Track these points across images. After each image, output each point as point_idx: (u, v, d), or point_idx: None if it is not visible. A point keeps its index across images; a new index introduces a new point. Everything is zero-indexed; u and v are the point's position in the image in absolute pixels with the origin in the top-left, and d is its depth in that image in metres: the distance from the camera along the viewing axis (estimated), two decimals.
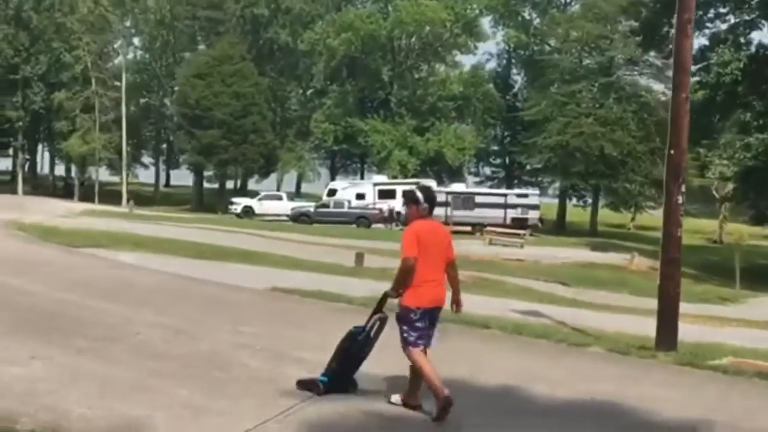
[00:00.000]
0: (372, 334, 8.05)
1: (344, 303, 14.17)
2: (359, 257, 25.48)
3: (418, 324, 7.50)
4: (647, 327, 15.70)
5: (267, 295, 14.86)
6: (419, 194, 7.79)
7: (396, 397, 7.81)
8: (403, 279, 7.45)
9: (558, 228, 68.43)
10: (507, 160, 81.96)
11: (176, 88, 76.40)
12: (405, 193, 8.03)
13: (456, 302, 7.92)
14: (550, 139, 64.38)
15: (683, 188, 11.99)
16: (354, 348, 8.05)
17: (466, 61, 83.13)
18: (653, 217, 77.53)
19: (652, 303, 23.77)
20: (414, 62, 78.81)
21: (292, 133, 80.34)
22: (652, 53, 62.06)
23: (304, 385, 8.09)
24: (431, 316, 7.62)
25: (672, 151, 11.91)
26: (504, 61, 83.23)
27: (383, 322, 8.00)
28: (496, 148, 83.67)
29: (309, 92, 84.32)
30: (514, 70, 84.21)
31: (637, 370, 10.29)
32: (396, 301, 7.63)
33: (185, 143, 72.06)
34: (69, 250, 20.68)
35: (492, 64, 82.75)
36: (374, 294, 15.89)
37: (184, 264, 19.54)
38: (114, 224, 33.95)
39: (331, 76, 79.24)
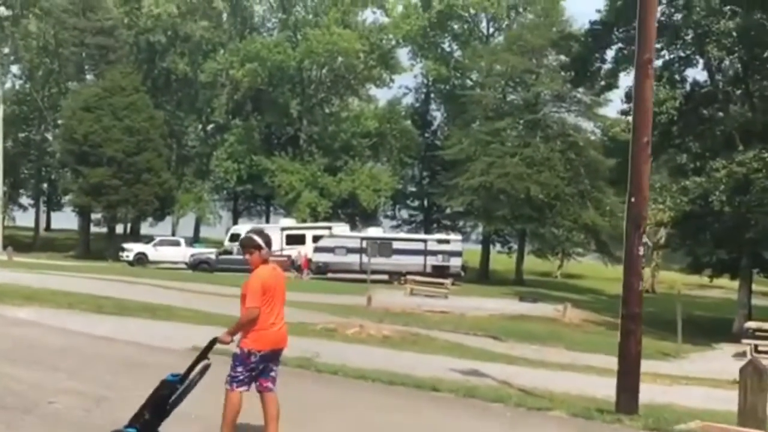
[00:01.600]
0: (193, 382, 8.31)
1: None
2: None
3: (253, 366, 8.19)
4: (596, 386, 16.04)
5: (188, 356, 14.55)
6: (259, 239, 8.34)
7: None
8: (244, 327, 8.15)
9: (481, 276, 69.18)
10: (426, 203, 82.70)
11: (61, 122, 75.16)
12: (244, 241, 8.42)
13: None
14: (473, 180, 65.15)
15: (644, 238, 12.24)
16: (171, 397, 8.26)
17: (382, 95, 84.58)
18: (582, 264, 79.20)
19: (591, 358, 24.54)
20: (325, 96, 79.36)
21: (190, 171, 79.87)
22: (580, 90, 63.57)
23: None
24: (272, 357, 8.33)
25: (633, 199, 12.15)
26: (423, 96, 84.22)
27: (206, 369, 8.31)
28: (413, 189, 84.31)
29: (210, 127, 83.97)
30: (434, 106, 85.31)
31: None
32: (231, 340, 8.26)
33: (70, 183, 70.87)
34: None
35: (409, 99, 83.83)
36: (303, 352, 15.93)
37: (86, 320, 19.25)
38: None
39: (234, 109, 79.22)
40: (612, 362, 23.10)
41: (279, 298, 8.28)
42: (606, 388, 14.98)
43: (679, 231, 47.22)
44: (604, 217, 65.66)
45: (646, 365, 24.35)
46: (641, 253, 12.18)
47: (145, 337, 16.74)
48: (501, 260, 76.96)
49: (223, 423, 8.21)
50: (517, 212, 65.57)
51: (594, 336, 35.68)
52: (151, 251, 62.06)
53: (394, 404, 11.48)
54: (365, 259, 52.93)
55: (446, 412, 11.17)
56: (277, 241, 60.94)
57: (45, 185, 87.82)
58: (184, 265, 59.00)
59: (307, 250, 60.44)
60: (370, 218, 75.93)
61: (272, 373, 8.37)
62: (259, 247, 8.26)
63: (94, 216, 74.43)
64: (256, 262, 8.26)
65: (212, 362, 8.30)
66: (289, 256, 58.51)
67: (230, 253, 58.27)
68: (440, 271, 56.74)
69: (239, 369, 8.18)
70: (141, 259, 60.88)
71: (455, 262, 59.97)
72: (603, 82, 47.88)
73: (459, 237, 64.78)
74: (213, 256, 58.60)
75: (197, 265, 57.12)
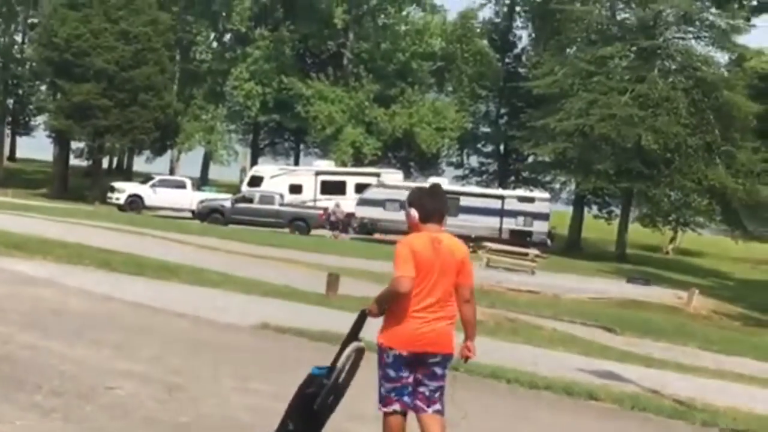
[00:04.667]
0: (344, 374, 8.07)
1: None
2: (333, 281, 25.34)
3: (391, 372, 7.78)
4: (764, 401, 15.93)
5: (259, 335, 14.95)
6: (423, 197, 8.15)
7: None
8: (390, 299, 7.77)
9: (571, 247, 68.83)
10: (502, 149, 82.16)
11: (37, 21, 75.33)
12: (409, 197, 8.24)
13: (468, 348, 8.11)
14: (567, 122, 64.78)
15: None
16: (320, 398, 7.98)
17: (452, 5, 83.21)
18: (701, 238, 78.67)
19: (737, 363, 24.34)
20: (379, 3, 78.54)
21: (200, 94, 79.80)
22: (713, 10, 62.89)
23: None
24: (420, 364, 7.83)
25: None
26: (504, 9, 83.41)
27: (360, 354, 8.09)
28: (487, 130, 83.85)
29: (227, 38, 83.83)
30: (519, 23, 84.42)
31: None
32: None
33: (46, 100, 71.21)
34: None
35: (487, 12, 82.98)
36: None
37: (103, 279, 19.58)
38: None
39: (259, 15, 78.85)
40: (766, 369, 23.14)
41: (440, 279, 7.80)
42: None
43: None
44: (737, 179, 64.92)
45: None
46: None
47: (188, 306, 16.90)
48: (595, 227, 76.60)
49: None
50: (623, 166, 65.01)
51: (731, 333, 35.60)
52: (148, 193, 62.51)
53: (547, 416, 11.43)
54: None
55: (616, 428, 11.11)
56: (310, 188, 61.17)
57: (11, 102, 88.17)
58: (189, 213, 59.27)
59: (347, 202, 60.43)
60: (429, 165, 75.99)
61: (422, 388, 7.87)
62: (417, 205, 8.04)
63: (74, 145, 74.81)
64: (412, 227, 8.06)
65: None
66: (324, 210, 58.54)
67: (250, 201, 58.37)
68: (520, 238, 56.65)
69: (379, 374, 7.89)
70: (134, 203, 61.40)
71: (540, 227, 59.89)
72: (754, 1, 47.22)
73: (546, 195, 64.46)
74: (228, 204, 58.64)
75: (208, 215, 57.22)
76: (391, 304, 7.78)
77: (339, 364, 8.00)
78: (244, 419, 9.29)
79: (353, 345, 8.03)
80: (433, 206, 8.06)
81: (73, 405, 9.08)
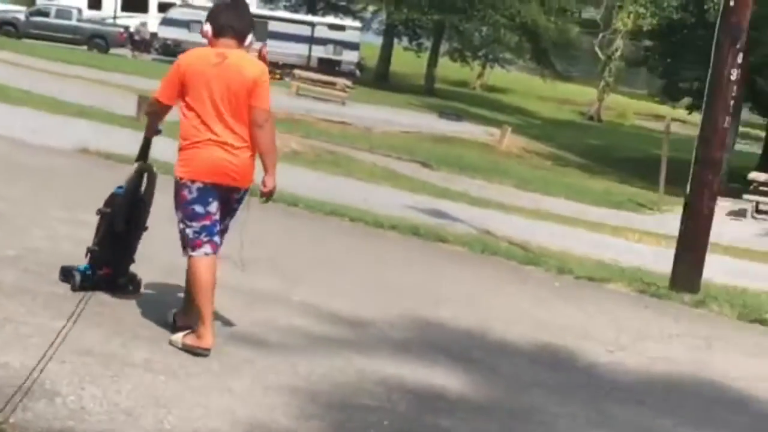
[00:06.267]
0: (140, 194, 7.77)
1: None
2: (143, 103, 24.65)
3: (197, 208, 7.00)
4: (595, 245, 16.04)
5: (79, 158, 14.59)
6: (217, 11, 7.33)
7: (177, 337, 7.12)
8: (151, 119, 7.59)
9: (379, 79, 68.52)
10: None
11: None
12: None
13: (264, 182, 7.24)
14: None
15: (740, 58, 11.65)
16: (116, 218, 7.65)
17: None
18: (509, 75, 79.50)
19: (554, 204, 24.62)
20: None
21: None
22: None
23: (63, 274, 7.98)
24: (222, 197, 7.13)
25: (732, 2, 11.52)
26: None
27: (150, 175, 7.79)
28: None
29: None
30: None
31: (696, 326, 10.19)
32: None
33: None
34: None
35: None
36: None
37: None
38: None
39: None
40: (583, 211, 23.57)
41: (229, 105, 6.97)
42: (600, 248, 15.67)
43: (661, 44, 47.37)
44: (549, 17, 65.23)
45: (625, 218, 24.79)
46: (734, 78, 11.62)
47: None
48: (403, 60, 76.38)
49: (195, 305, 7.02)
50: None
51: (544, 173, 36.05)
52: None
53: (402, 258, 11.12)
54: None
55: (479, 278, 10.90)
56: (111, 4, 59.38)
57: None
58: None
59: (150, 21, 58.96)
60: None
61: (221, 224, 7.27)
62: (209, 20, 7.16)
63: None
64: (209, 44, 7.15)
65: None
66: (125, 28, 57.07)
67: (46, 14, 56.53)
68: (329, 67, 56.15)
69: (179, 216, 7.09)
70: None
71: (349, 57, 59.54)
72: None
73: (357, 24, 63.98)
74: (21, 17, 56.61)
75: None
76: (154, 123, 7.48)
77: (125, 184, 7.67)
78: (76, 253, 8.58)
79: (136, 166, 7.74)
80: (226, 20, 7.12)
81: None
